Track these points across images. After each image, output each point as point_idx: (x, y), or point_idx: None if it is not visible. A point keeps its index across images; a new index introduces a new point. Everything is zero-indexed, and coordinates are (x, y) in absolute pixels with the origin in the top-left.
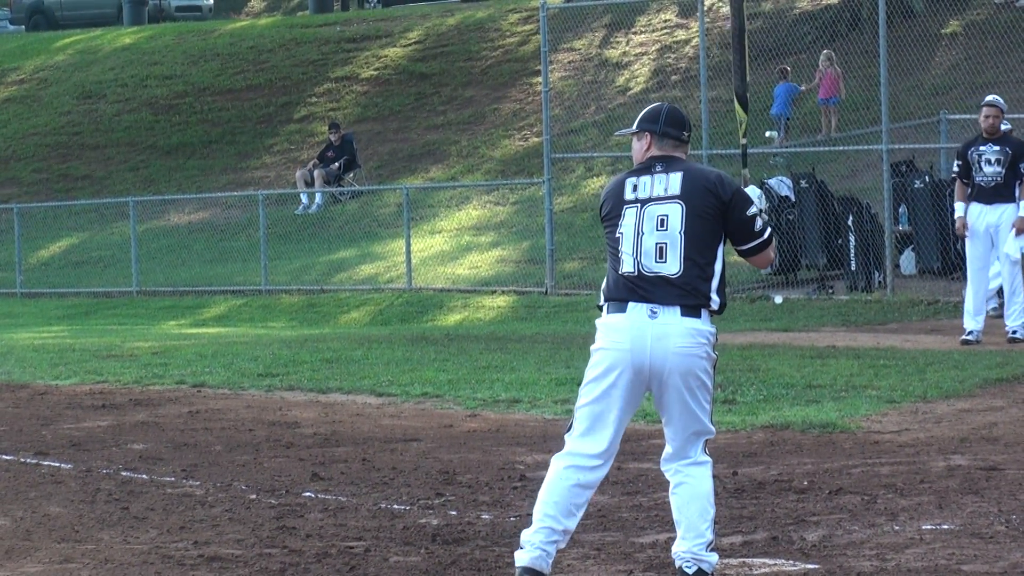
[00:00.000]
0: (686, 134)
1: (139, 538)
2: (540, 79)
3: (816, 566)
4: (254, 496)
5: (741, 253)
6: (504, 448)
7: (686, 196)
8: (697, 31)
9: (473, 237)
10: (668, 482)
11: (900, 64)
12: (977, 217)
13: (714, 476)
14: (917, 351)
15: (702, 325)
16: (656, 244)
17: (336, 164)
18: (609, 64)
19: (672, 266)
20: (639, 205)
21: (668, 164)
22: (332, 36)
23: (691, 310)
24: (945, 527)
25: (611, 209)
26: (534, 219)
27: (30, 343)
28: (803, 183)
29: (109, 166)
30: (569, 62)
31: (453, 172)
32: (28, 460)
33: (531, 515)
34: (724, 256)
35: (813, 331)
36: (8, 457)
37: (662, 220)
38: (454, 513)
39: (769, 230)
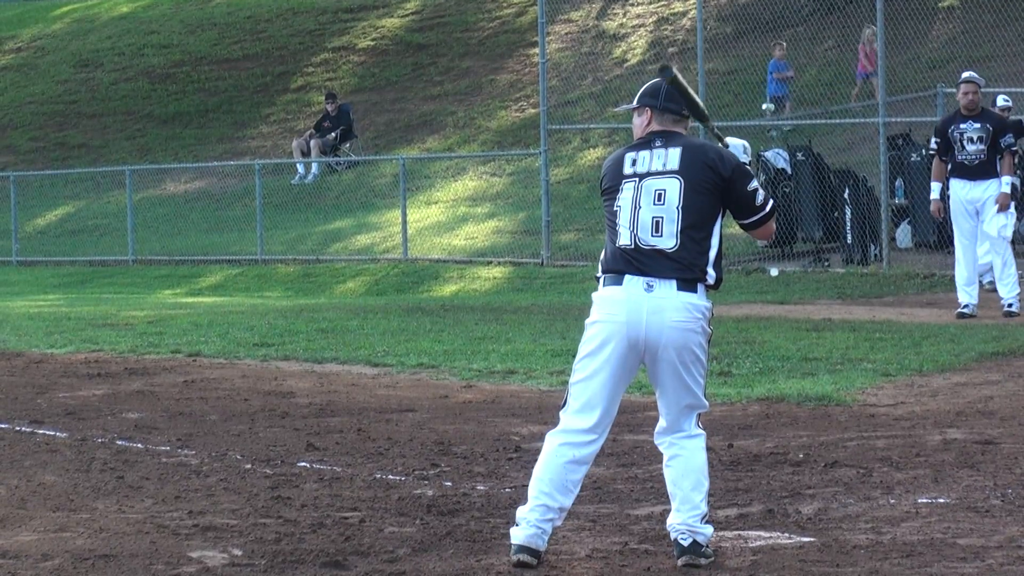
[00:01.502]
0: (686, 110)
1: (134, 507)
2: (537, 50)
3: (812, 539)
4: (249, 466)
5: (744, 227)
6: (499, 419)
7: (685, 171)
8: (694, 3)
9: (469, 208)
10: (662, 455)
11: (897, 37)
12: (962, 193)
13: (709, 448)
14: (913, 324)
15: (698, 300)
16: (653, 218)
17: (332, 134)
18: (606, 36)
19: (668, 240)
20: (637, 179)
21: (668, 139)
22: (329, 6)
23: (687, 284)
24: (941, 500)
25: (611, 183)
26: (530, 190)
27: (26, 311)
28: (799, 156)
29: (106, 135)
30: (566, 33)
31: (449, 143)
32: (23, 429)
33: (527, 487)
34: (722, 231)
35: (809, 304)
36: (3, 426)
37: (659, 194)
38: (449, 484)
39: (772, 202)
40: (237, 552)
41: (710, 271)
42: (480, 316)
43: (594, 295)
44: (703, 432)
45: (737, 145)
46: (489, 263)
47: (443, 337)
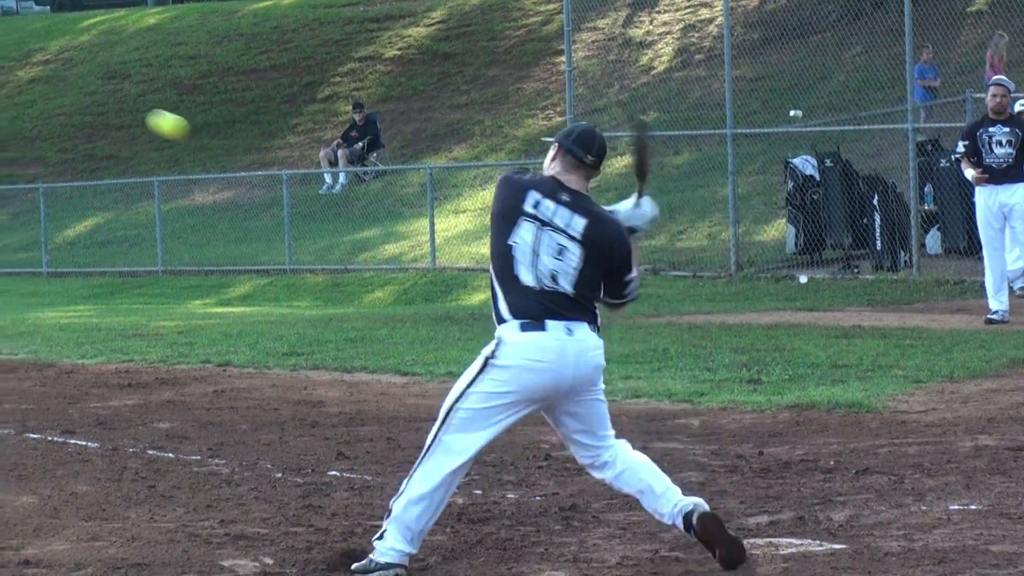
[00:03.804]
0: (590, 157)
1: (165, 516)
2: (563, 58)
3: (843, 546)
4: (280, 475)
5: (602, 299)
6: (528, 427)
7: (587, 244)
8: (721, 10)
9: None
10: (606, 479)
11: (925, 43)
12: (989, 198)
13: (739, 456)
14: (943, 331)
15: (599, 337)
16: (551, 270)
17: (360, 144)
18: (633, 43)
19: (568, 287)
20: (538, 223)
21: (575, 200)
22: (355, 16)
23: (594, 322)
24: (973, 507)
25: (507, 211)
26: None
27: (56, 322)
28: (828, 162)
29: (134, 146)
30: (593, 41)
31: (476, 152)
32: (55, 439)
33: (557, 495)
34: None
35: (838, 311)
36: (35, 436)
37: (561, 250)
38: (479, 492)
39: (634, 296)
40: (268, 561)
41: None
42: None
43: (507, 337)
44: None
45: (646, 212)
46: None
47: (472, 346)
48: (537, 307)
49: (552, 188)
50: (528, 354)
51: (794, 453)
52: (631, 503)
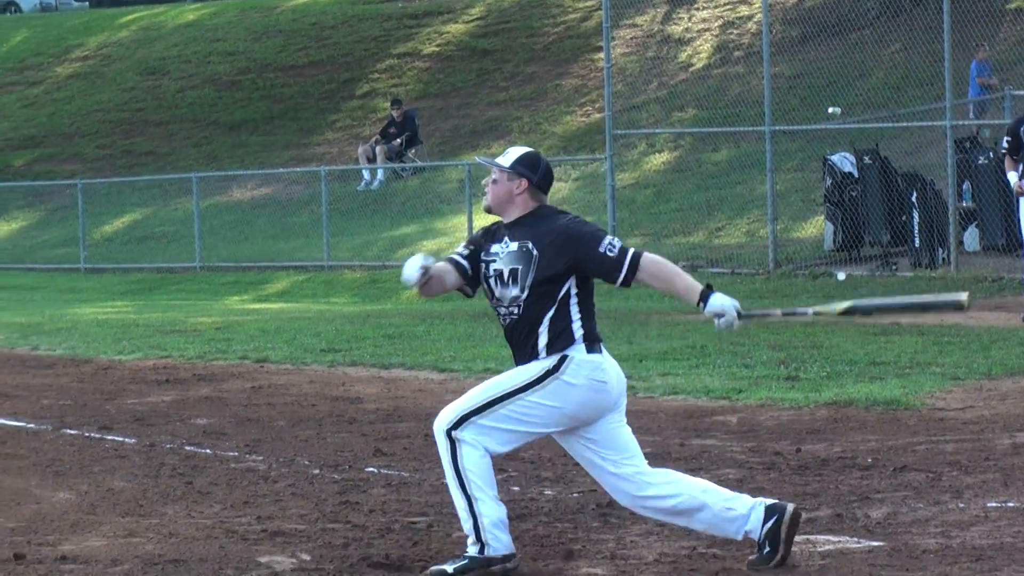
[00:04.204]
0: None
1: (203, 512)
2: (602, 55)
3: (881, 543)
4: (317, 471)
5: None
6: None
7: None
8: (760, 7)
9: None
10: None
11: (964, 40)
12: None
13: (777, 453)
14: (981, 328)
15: None
16: None
17: (398, 140)
18: (671, 40)
19: None
20: None
21: None
22: (394, 12)
23: None
24: (1011, 504)
25: None
26: (596, 195)
27: (94, 318)
28: (866, 159)
29: (172, 142)
30: (631, 38)
31: None
32: (92, 435)
33: (595, 491)
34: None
35: None
36: (72, 432)
37: None
38: (517, 489)
39: None
40: (305, 557)
41: None
42: None
43: (582, 358)
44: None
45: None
46: None
47: None
48: (596, 331)
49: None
50: (597, 374)
51: (832, 450)
52: None
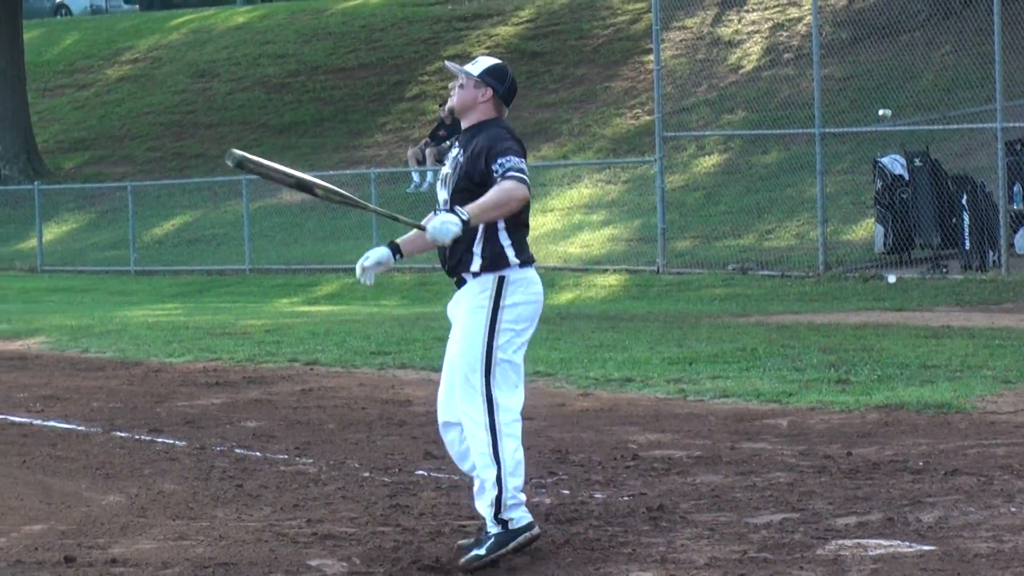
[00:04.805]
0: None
1: (253, 515)
2: (651, 57)
3: (932, 547)
4: (367, 474)
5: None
6: (616, 427)
7: None
8: (810, 9)
9: (584, 215)
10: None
11: (1015, 41)
12: None
13: (827, 457)
14: None
15: None
16: None
17: (448, 142)
18: (721, 42)
19: None
20: None
21: None
22: (443, 15)
23: None
24: None
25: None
26: (645, 198)
27: (144, 320)
28: (917, 162)
29: (222, 144)
30: (681, 40)
31: (564, 151)
32: (142, 437)
33: (645, 495)
34: None
35: (927, 311)
36: (123, 434)
37: None
38: (567, 492)
39: None
40: (356, 560)
41: None
42: (596, 324)
43: (512, 275)
44: None
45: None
46: (605, 271)
47: (559, 345)
48: (527, 248)
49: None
50: (530, 288)
51: (883, 454)
52: (719, 504)
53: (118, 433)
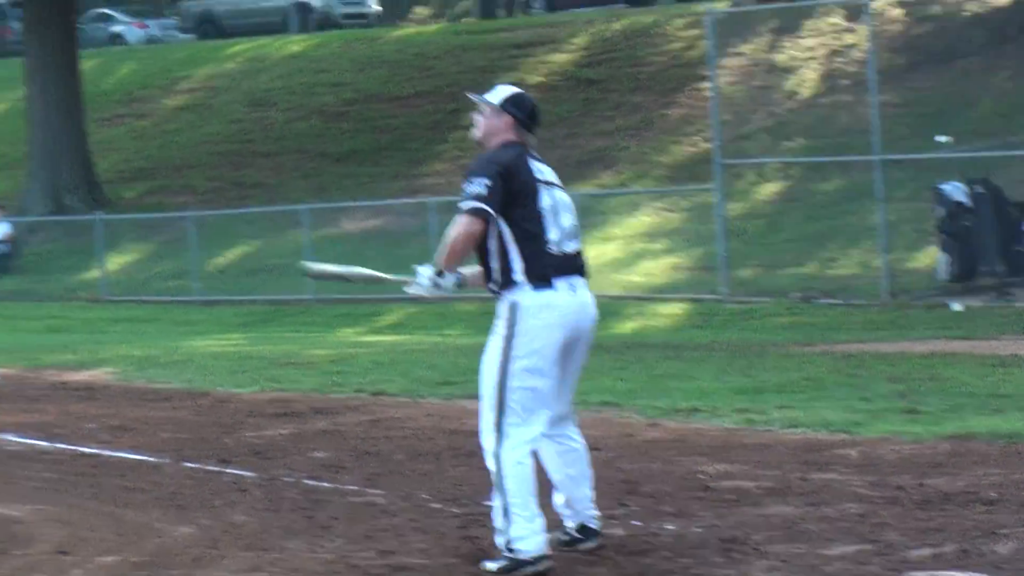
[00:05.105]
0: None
1: (325, 547)
2: (708, 84)
3: None
4: (437, 505)
5: None
6: (685, 458)
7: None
8: (866, 34)
9: (646, 244)
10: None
11: None
12: None
13: (899, 488)
14: None
15: None
16: (572, 224)
17: None
18: (777, 69)
19: (578, 244)
20: (547, 186)
21: (536, 155)
22: (497, 42)
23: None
24: None
25: (528, 183)
26: (706, 225)
27: (209, 351)
28: (978, 188)
29: (281, 173)
30: (737, 67)
31: (623, 178)
32: (211, 468)
33: (717, 526)
34: None
35: (994, 339)
36: (192, 465)
37: (568, 204)
38: (638, 524)
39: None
40: None
41: None
42: (661, 353)
43: (522, 300)
44: None
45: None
46: (668, 300)
47: (625, 375)
48: (549, 269)
49: (521, 150)
50: (542, 312)
51: (955, 484)
52: (791, 535)
53: (187, 464)
